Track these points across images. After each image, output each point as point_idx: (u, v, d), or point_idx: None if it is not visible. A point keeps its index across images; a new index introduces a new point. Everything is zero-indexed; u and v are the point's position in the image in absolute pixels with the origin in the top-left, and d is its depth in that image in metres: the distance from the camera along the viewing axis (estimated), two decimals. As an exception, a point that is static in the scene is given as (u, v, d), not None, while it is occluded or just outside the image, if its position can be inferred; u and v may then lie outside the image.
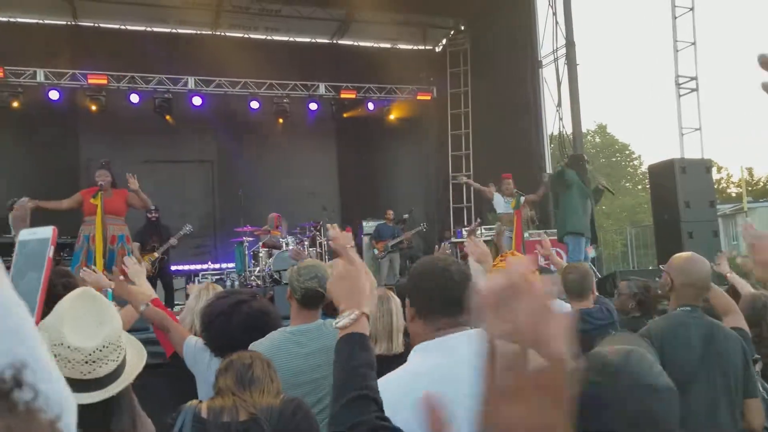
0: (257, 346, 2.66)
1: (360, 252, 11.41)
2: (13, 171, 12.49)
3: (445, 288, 1.79)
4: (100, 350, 1.57)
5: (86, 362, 1.55)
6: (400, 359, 2.91)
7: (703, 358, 2.75)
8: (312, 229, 10.97)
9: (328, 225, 1.67)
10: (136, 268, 3.69)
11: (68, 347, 1.54)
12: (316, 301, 2.83)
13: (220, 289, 3.49)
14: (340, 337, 1.51)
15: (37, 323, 1.20)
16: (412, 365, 1.77)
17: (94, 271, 3.77)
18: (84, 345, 1.56)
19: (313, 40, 14.97)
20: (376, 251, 11.62)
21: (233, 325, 2.67)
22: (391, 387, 1.56)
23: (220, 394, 2.13)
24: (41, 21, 12.99)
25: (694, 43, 11.52)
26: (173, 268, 9.93)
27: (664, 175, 9.76)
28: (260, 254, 10.13)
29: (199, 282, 10.44)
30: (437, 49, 15.91)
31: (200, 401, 2.17)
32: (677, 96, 11.53)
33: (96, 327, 1.61)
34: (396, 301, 3.31)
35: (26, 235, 1.30)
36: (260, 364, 2.18)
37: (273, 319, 2.70)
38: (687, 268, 2.94)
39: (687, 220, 9.31)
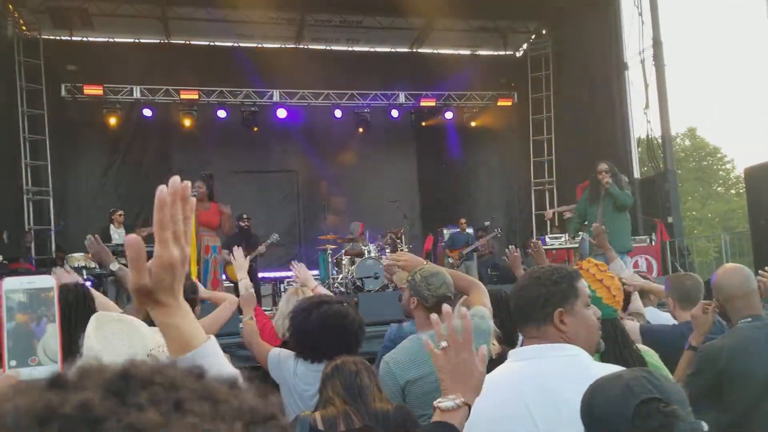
0: (393, 356, 2.73)
1: (440, 260, 11.43)
2: (111, 182, 13.28)
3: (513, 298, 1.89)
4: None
5: None
6: (490, 366, 2.94)
7: None
8: (393, 237, 11.07)
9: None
10: (241, 261, 3.92)
11: None
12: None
13: (309, 293, 3.61)
14: (434, 420, 1.51)
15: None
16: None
17: (67, 271, 3.67)
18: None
19: (393, 50, 15.13)
20: (450, 260, 11.58)
21: (311, 324, 2.75)
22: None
23: (330, 402, 2.17)
24: (137, 40, 13.74)
25: (793, 40, 10.93)
26: (260, 275, 10.23)
27: (762, 178, 9.28)
28: (343, 262, 10.30)
29: (284, 289, 10.73)
30: (518, 54, 15.74)
31: (312, 412, 2.22)
32: (775, 95, 10.96)
33: (128, 349, 1.63)
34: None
35: (17, 284, 1.12)
36: (367, 372, 2.22)
37: (350, 322, 2.74)
38: (722, 283, 2.94)
39: (787, 226, 8.82)
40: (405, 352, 2.77)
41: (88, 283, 9.22)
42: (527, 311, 1.85)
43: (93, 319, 1.76)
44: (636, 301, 3.76)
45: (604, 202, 7.29)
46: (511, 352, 1.94)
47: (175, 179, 0.94)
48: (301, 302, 2.95)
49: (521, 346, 3.09)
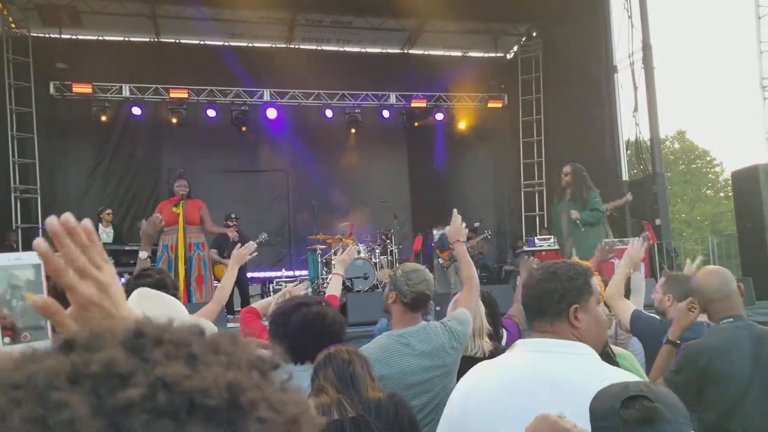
0: (367, 350, 2.75)
1: (430, 261, 11.44)
2: (99, 181, 13.22)
3: (524, 290, 1.91)
4: None
5: None
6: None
7: (756, 369, 2.72)
8: (383, 237, 11.07)
9: None
10: (242, 253, 4.01)
11: None
12: (425, 303, 2.91)
13: (295, 291, 3.61)
14: None
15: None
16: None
17: None
18: None
19: (384, 51, 15.13)
20: (440, 260, 11.59)
21: (290, 327, 2.74)
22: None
23: (322, 390, 2.17)
24: (127, 38, 13.67)
25: (780, 44, 11.03)
26: (249, 275, 10.20)
27: (749, 181, 9.37)
28: (332, 262, 10.28)
29: (273, 289, 10.72)
30: (509, 56, 15.78)
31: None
32: (762, 99, 11.05)
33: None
34: (479, 305, 3.36)
35: (5, 260, 1.13)
36: (359, 361, 2.22)
37: (330, 323, 2.72)
38: (702, 286, 2.97)
39: (774, 229, 8.90)
40: (379, 349, 2.79)
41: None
42: (542, 305, 1.84)
43: (135, 293, 1.84)
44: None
45: (568, 206, 7.27)
46: (522, 342, 1.92)
47: (50, 219, 0.91)
48: (280, 306, 2.94)
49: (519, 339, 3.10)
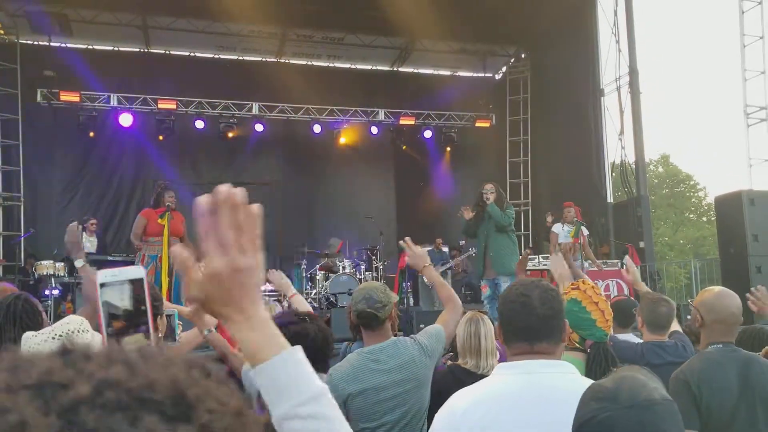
0: (337, 369, 2.76)
1: (415, 278, 11.43)
2: (84, 190, 13.11)
3: (520, 314, 1.83)
4: None
5: None
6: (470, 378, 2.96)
7: (742, 395, 2.70)
8: (369, 253, 11.07)
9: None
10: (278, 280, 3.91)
11: None
12: (370, 321, 2.86)
13: (275, 307, 3.55)
14: None
15: None
16: (486, 384, 1.89)
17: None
18: None
19: (374, 68, 15.22)
20: (425, 278, 11.58)
21: None
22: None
23: None
24: (116, 48, 13.64)
25: (764, 72, 11.22)
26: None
27: (732, 207, 9.48)
28: (317, 277, 10.25)
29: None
30: (497, 77, 15.93)
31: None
32: (746, 126, 11.22)
33: None
34: (488, 325, 3.37)
35: (108, 277, 1.17)
36: None
37: (312, 341, 2.64)
38: (716, 304, 2.89)
39: (755, 254, 9.01)
40: (349, 365, 2.79)
41: (56, 291, 9.00)
42: (550, 327, 1.83)
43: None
44: None
45: (488, 222, 7.34)
46: (508, 366, 1.89)
47: (221, 187, 0.91)
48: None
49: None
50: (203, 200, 0.89)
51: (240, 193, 0.91)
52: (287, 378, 0.93)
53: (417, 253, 3.28)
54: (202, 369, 0.51)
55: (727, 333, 2.88)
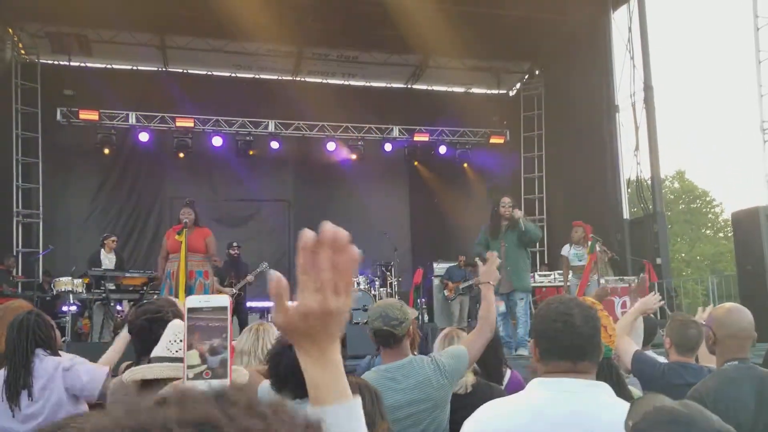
0: None
1: (430, 294, 11.42)
2: (102, 207, 13.27)
3: (563, 333, 1.84)
4: None
5: None
6: (465, 399, 2.94)
7: (758, 413, 2.66)
8: (383, 269, 11.08)
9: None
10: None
11: None
12: (388, 338, 2.87)
13: (269, 327, 3.45)
14: None
15: None
16: (521, 397, 1.92)
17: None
18: None
19: (389, 85, 15.33)
20: (446, 293, 11.58)
21: (284, 368, 2.70)
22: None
23: None
24: (135, 67, 13.86)
25: (780, 88, 11.16)
26: (248, 304, 10.18)
27: (749, 223, 9.38)
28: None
29: (272, 319, 10.66)
30: (511, 93, 15.97)
31: None
32: (762, 142, 11.15)
33: None
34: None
35: (196, 302, 1.21)
36: (369, 396, 2.17)
37: None
38: (727, 319, 2.87)
39: (774, 272, 8.89)
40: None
41: (73, 308, 9.07)
42: (594, 344, 1.86)
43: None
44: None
45: (506, 237, 7.23)
46: (546, 382, 1.88)
47: (326, 226, 0.91)
48: (275, 345, 2.91)
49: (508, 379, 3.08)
50: (308, 235, 0.90)
51: (345, 235, 0.92)
52: (339, 430, 0.94)
53: (492, 269, 3.26)
54: (318, 428, 0.57)
55: (741, 349, 2.86)
